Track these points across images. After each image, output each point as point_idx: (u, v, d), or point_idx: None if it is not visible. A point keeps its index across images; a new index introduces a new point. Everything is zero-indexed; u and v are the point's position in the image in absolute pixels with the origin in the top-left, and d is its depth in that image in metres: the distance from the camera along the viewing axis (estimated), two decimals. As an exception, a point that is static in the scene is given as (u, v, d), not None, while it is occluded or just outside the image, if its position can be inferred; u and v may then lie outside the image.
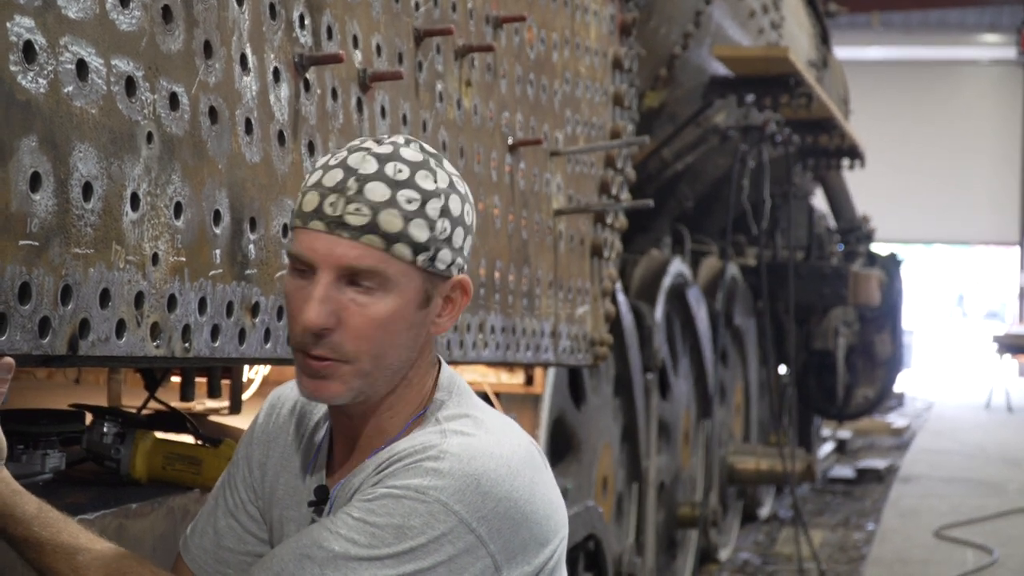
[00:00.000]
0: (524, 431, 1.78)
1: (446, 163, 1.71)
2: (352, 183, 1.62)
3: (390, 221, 1.61)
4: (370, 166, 1.63)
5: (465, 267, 1.72)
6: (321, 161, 1.68)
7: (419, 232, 1.63)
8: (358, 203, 1.61)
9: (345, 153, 1.66)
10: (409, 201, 1.63)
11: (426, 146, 1.70)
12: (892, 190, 21.84)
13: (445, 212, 1.65)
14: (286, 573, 1.61)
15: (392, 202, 1.62)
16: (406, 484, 1.61)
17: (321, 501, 1.74)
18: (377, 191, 1.62)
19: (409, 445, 1.65)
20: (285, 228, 2.12)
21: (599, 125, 3.68)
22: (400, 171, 1.64)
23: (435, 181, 1.66)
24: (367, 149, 1.66)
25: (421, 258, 1.64)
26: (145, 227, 1.76)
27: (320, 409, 1.84)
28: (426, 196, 1.64)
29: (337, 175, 1.63)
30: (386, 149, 1.66)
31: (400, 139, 1.69)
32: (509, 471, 1.64)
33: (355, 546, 1.60)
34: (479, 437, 1.66)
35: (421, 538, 1.59)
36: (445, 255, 1.66)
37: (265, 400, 1.92)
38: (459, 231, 1.68)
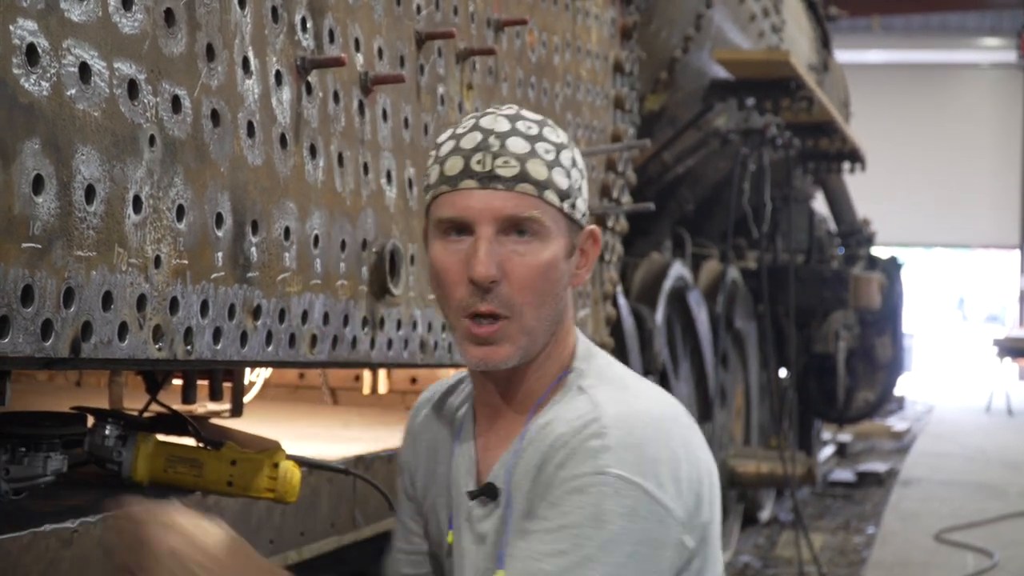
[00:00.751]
0: (672, 397, 1.80)
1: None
2: (493, 140, 1.68)
3: (537, 170, 1.68)
4: (503, 125, 1.70)
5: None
6: (447, 133, 1.74)
7: (561, 179, 1.70)
8: (505, 156, 1.67)
9: (473, 120, 1.72)
10: (547, 151, 1.70)
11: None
12: (893, 193, 21.83)
13: (575, 163, 1.74)
14: None
15: (534, 153, 1.69)
16: (583, 472, 1.61)
17: (487, 494, 1.74)
18: (518, 144, 1.68)
19: (567, 427, 1.66)
20: (287, 231, 2.12)
21: (600, 128, 3.68)
22: (530, 127, 1.71)
23: (558, 136, 1.74)
24: (493, 112, 1.73)
25: (566, 205, 1.71)
26: (147, 230, 1.76)
27: (460, 392, 1.88)
28: (559, 147, 1.72)
29: (475, 137, 1.70)
30: (509, 111, 1.74)
31: (513, 105, 1.79)
32: (667, 433, 1.67)
33: (564, 556, 1.60)
34: (630, 403, 1.68)
35: (619, 520, 1.59)
36: (580, 204, 1.74)
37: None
38: (584, 183, 1.76)
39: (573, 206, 1.72)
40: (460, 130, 1.72)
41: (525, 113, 1.74)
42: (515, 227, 1.67)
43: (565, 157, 1.71)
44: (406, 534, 1.98)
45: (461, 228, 1.69)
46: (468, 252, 1.67)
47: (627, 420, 1.65)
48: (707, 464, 1.73)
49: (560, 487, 1.63)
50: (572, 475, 1.62)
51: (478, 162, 1.67)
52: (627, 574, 1.59)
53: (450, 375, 1.98)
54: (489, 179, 1.67)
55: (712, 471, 1.74)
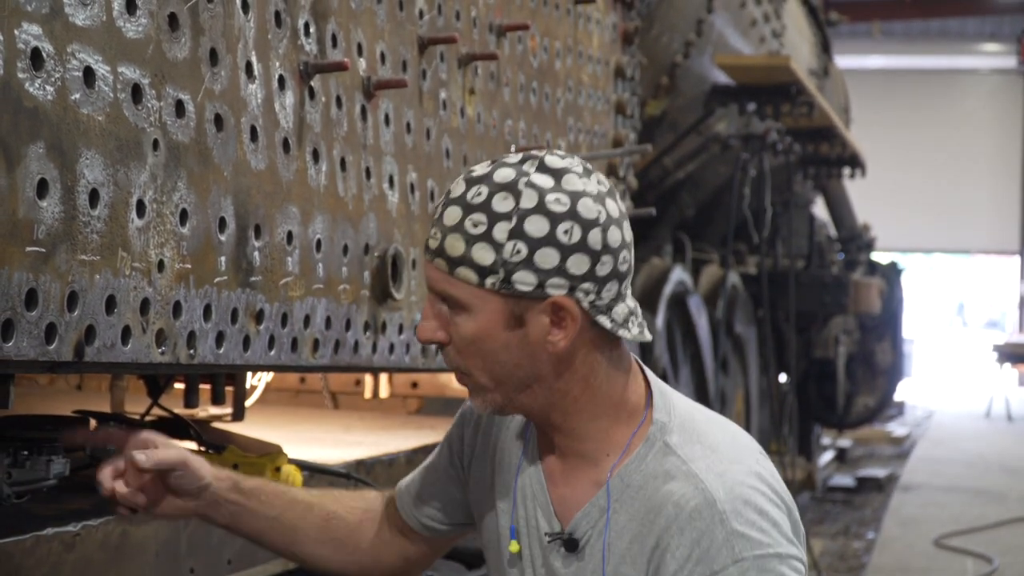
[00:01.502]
0: (735, 425, 1.83)
1: (571, 180, 1.68)
2: (439, 208, 1.70)
3: (453, 245, 1.66)
4: (459, 189, 1.69)
5: (581, 285, 1.68)
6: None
7: (483, 255, 1.65)
8: (437, 227, 1.69)
9: (463, 174, 1.73)
10: (475, 225, 1.65)
11: (556, 161, 1.70)
12: (893, 199, 21.84)
13: (518, 234, 1.64)
14: None
15: (459, 227, 1.66)
16: (723, 566, 1.64)
17: (567, 547, 1.78)
18: (451, 216, 1.67)
19: (678, 511, 1.68)
20: (290, 235, 2.13)
21: (601, 133, 3.69)
22: (479, 194, 1.67)
23: (516, 202, 1.65)
24: (471, 172, 1.71)
25: (489, 281, 1.66)
26: (151, 234, 1.77)
27: None
28: (495, 219, 1.65)
29: (439, 199, 1.74)
30: (484, 171, 1.69)
31: (516, 158, 1.71)
32: (770, 487, 1.71)
33: None
34: (730, 470, 1.70)
35: None
36: (524, 276, 1.66)
37: None
38: (546, 251, 1.65)
39: (505, 280, 1.65)
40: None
41: (497, 174, 1.68)
42: (443, 297, 1.71)
43: (500, 229, 1.64)
44: (428, 481, 2.02)
45: None
46: None
47: (739, 494, 1.68)
48: (788, 493, 1.78)
49: None
50: (712, 571, 1.65)
51: (430, 228, 1.72)
52: None
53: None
54: (425, 249, 1.72)
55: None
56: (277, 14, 2.09)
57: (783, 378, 8.43)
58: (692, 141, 6.44)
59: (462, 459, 1.97)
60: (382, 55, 2.44)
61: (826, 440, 11.62)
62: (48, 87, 1.57)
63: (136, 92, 1.73)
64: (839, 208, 10.46)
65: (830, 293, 8.22)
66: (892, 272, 9.96)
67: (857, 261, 9.76)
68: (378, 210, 2.43)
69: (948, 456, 11.84)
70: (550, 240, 1.65)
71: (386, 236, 2.46)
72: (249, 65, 2.01)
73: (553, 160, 1.69)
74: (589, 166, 1.73)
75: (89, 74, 1.64)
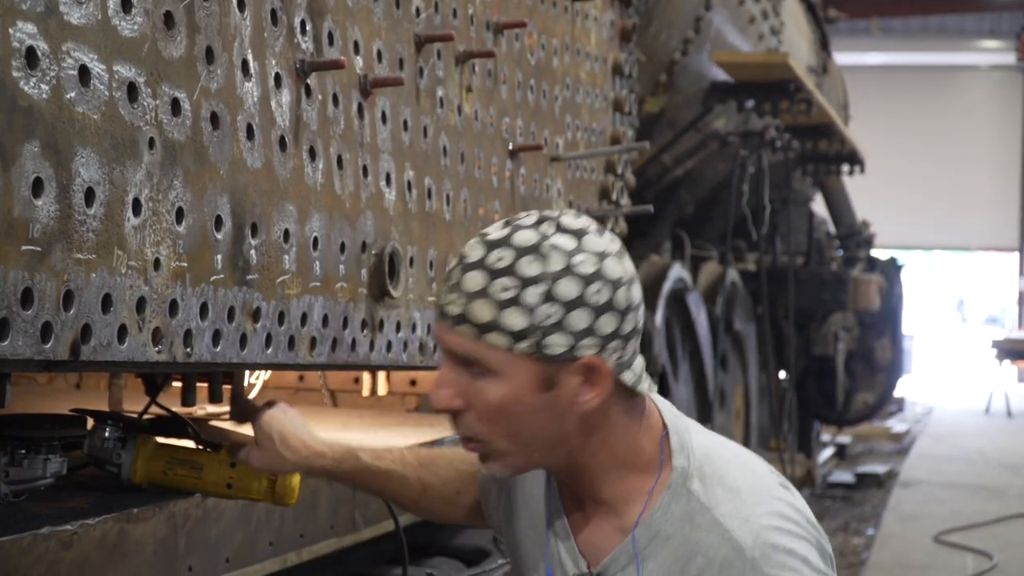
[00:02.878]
0: (754, 456, 1.84)
1: (592, 241, 1.69)
2: (456, 273, 1.67)
3: (481, 311, 1.64)
4: (476, 253, 1.67)
5: (608, 346, 1.68)
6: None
7: (513, 320, 1.64)
8: (456, 293, 1.66)
9: (475, 238, 1.70)
10: (505, 289, 1.64)
11: (572, 222, 1.70)
12: (892, 195, 21.84)
13: (551, 297, 1.64)
14: None
15: (484, 292, 1.64)
16: None
17: None
18: (473, 281, 1.65)
19: (709, 563, 1.70)
20: (287, 233, 2.13)
21: (599, 131, 3.69)
22: (501, 259, 1.65)
23: (544, 266, 1.65)
24: (486, 236, 1.69)
25: (522, 345, 1.65)
26: (147, 232, 1.77)
27: None
28: (526, 283, 1.64)
29: (452, 263, 1.70)
30: (501, 234, 1.68)
31: (532, 219, 1.70)
32: (796, 525, 1.72)
33: None
34: (754, 514, 1.71)
35: None
36: (557, 339, 1.65)
37: None
38: (579, 313, 1.65)
39: (538, 344, 1.64)
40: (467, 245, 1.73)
41: (517, 237, 1.67)
42: (464, 362, 1.68)
43: (532, 293, 1.63)
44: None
45: None
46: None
47: (765, 539, 1.69)
48: (814, 521, 1.79)
49: None
50: None
51: (444, 294, 1.69)
52: None
53: None
54: (441, 314, 1.69)
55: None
56: (273, 12, 2.08)
57: (782, 375, 8.43)
58: (691, 138, 6.44)
59: (498, 525, 2.02)
60: (379, 53, 2.44)
61: (826, 437, 11.62)
62: (43, 86, 1.57)
63: (132, 90, 1.73)
64: (838, 205, 10.46)
65: (829, 290, 8.23)
66: (891, 268, 9.96)
67: (856, 258, 9.77)
68: (375, 208, 2.43)
69: (948, 452, 11.85)
70: (582, 302, 1.65)
71: (383, 234, 2.46)
72: (245, 63, 2.00)
73: (569, 221, 1.69)
74: (599, 225, 1.74)
75: (84, 72, 1.64)
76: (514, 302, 1.63)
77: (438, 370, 1.72)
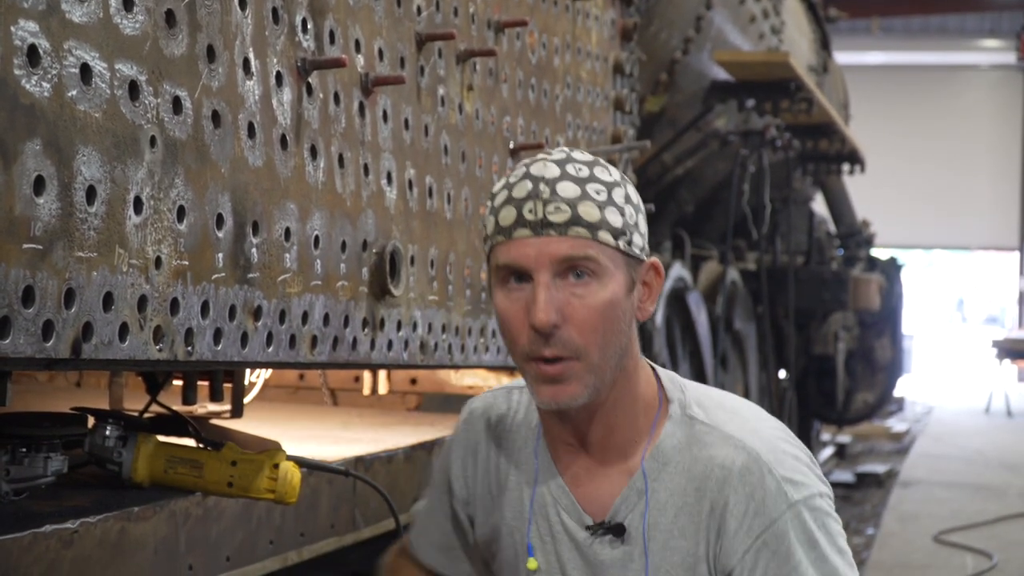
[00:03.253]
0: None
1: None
2: (543, 187, 1.72)
3: (589, 212, 1.72)
4: (553, 171, 1.74)
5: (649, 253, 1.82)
6: (500, 183, 1.77)
7: (614, 218, 1.73)
8: (556, 202, 1.71)
9: (523, 168, 1.76)
10: (598, 192, 1.73)
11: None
12: (892, 195, 21.84)
13: (628, 199, 1.76)
14: None
15: (585, 195, 1.72)
16: (780, 512, 1.73)
17: (613, 532, 1.81)
18: (569, 189, 1.72)
19: (724, 471, 1.75)
20: (288, 232, 2.13)
21: (600, 129, 3.69)
22: (580, 170, 1.74)
23: (610, 174, 1.77)
24: (543, 159, 1.75)
25: (622, 242, 1.74)
26: (148, 231, 1.77)
27: (520, 419, 1.92)
28: (610, 186, 1.75)
29: (526, 185, 1.73)
30: (559, 155, 1.77)
31: (563, 148, 1.81)
32: (789, 434, 1.83)
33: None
34: (758, 428, 1.80)
35: (832, 524, 1.77)
36: (637, 239, 1.77)
37: (460, 414, 2.02)
38: (641, 217, 1.79)
39: (629, 243, 1.75)
40: (512, 179, 1.76)
41: (576, 155, 1.77)
42: (572, 270, 1.72)
43: (618, 195, 1.74)
44: (443, 529, 2.05)
45: (520, 275, 1.73)
46: (528, 299, 1.72)
47: (776, 445, 1.78)
48: None
49: (763, 535, 1.73)
50: (771, 520, 1.72)
51: (530, 211, 1.71)
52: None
53: (495, 385, 2.02)
54: (542, 226, 1.71)
55: None
56: (274, 10, 2.08)
57: (782, 374, 8.43)
58: (691, 137, 6.44)
59: (465, 502, 2.00)
60: (380, 51, 2.44)
61: (825, 436, 11.62)
62: (45, 84, 1.57)
63: (133, 89, 1.73)
64: (838, 204, 10.46)
65: (829, 289, 8.22)
66: (891, 268, 9.95)
67: (856, 257, 9.76)
68: (376, 207, 2.43)
69: (948, 452, 11.85)
70: (640, 207, 1.79)
71: (384, 232, 2.46)
72: (246, 61, 2.00)
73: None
74: None
75: (86, 71, 1.64)
76: (610, 203, 1.73)
77: (532, 293, 1.72)
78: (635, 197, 1.78)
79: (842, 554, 1.75)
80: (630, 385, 1.81)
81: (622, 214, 1.74)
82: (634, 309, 1.78)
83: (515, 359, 1.78)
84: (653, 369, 1.87)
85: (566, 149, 1.79)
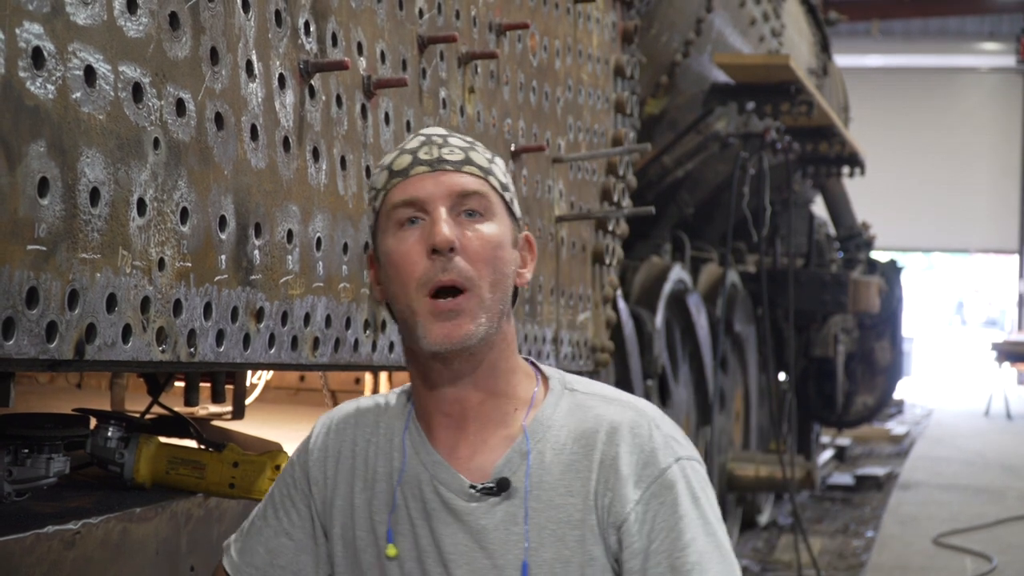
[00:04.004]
0: None
1: None
2: (436, 138, 1.82)
3: (478, 159, 1.81)
4: (440, 131, 1.84)
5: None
6: (392, 152, 1.85)
7: (500, 174, 1.83)
8: (449, 147, 1.80)
9: (413, 135, 1.85)
10: (484, 152, 1.84)
11: None
12: (892, 197, 21.85)
13: (506, 175, 1.85)
14: None
15: (473, 148, 1.83)
16: (668, 463, 1.77)
17: (500, 487, 1.80)
18: (459, 142, 1.82)
19: (616, 427, 1.79)
20: (290, 233, 2.13)
21: (601, 132, 3.69)
22: (465, 138, 1.84)
23: (489, 153, 1.86)
24: (433, 130, 1.85)
25: (507, 194, 1.83)
26: (151, 232, 1.77)
27: (393, 409, 1.89)
28: (491, 156, 1.85)
29: (419, 139, 1.82)
30: (438, 131, 1.85)
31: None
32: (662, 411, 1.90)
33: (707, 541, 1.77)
34: (634, 400, 1.86)
35: (707, 488, 1.82)
36: (516, 206, 1.86)
37: (316, 424, 1.96)
38: (514, 195, 1.87)
39: (512, 201, 1.84)
40: (405, 144, 1.83)
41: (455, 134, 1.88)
42: (464, 206, 1.77)
43: (499, 163, 1.84)
44: (269, 547, 1.93)
45: (415, 214, 1.77)
46: (424, 231, 1.76)
47: (656, 412, 1.84)
48: None
49: (652, 485, 1.77)
50: (660, 469, 1.77)
51: (425, 152, 1.79)
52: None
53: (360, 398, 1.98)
54: (438, 162, 1.78)
55: None
56: (277, 13, 2.09)
57: (782, 377, 8.44)
58: (691, 140, 6.44)
59: (322, 512, 1.90)
60: (382, 54, 2.44)
61: (825, 439, 11.63)
62: (49, 86, 1.57)
63: (137, 91, 1.73)
64: (838, 207, 10.47)
65: (829, 292, 8.23)
66: (891, 271, 9.96)
67: (856, 260, 9.77)
68: (378, 209, 2.43)
69: (947, 454, 11.85)
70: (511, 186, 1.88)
71: (386, 235, 2.46)
72: (249, 64, 2.01)
73: None
74: None
75: (90, 73, 1.64)
76: (494, 163, 1.83)
77: (428, 224, 1.75)
78: (510, 181, 1.88)
79: (719, 523, 1.81)
80: (509, 353, 1.83)
81: (505, 176, 1.84)
82: (516, 269, 1.82)
83: (408, 302, 1.76)
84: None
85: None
